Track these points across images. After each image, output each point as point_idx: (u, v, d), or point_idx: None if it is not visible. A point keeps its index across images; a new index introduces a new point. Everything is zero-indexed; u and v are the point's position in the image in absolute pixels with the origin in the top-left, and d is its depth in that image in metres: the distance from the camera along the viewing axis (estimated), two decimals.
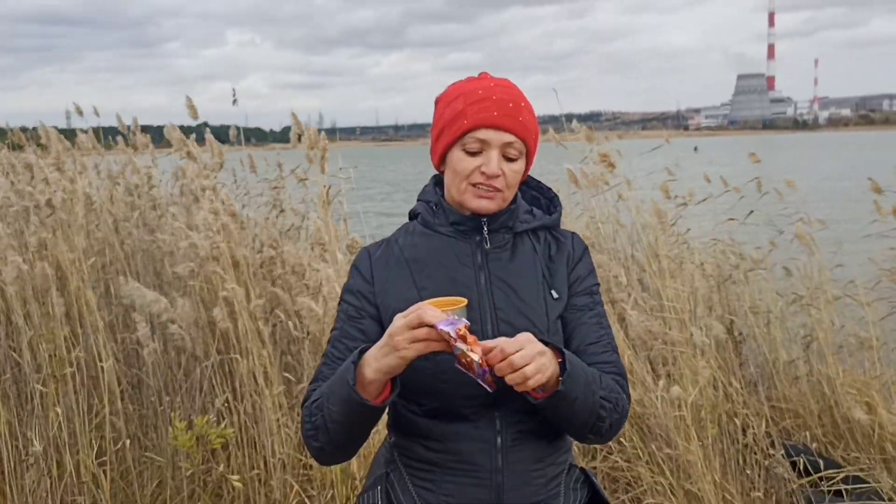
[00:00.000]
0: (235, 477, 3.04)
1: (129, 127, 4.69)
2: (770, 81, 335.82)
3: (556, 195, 1.54)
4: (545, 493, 1.39)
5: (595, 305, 1.45)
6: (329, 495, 3.03)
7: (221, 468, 3.17)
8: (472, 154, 1.36)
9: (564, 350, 1.26)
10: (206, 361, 3.51)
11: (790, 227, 4.23)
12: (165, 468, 3.28)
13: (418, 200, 1.51)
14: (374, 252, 1.47)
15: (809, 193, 4.46)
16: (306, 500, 3.08)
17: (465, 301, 1.22)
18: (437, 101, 1.45)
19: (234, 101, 4.01)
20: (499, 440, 1.35)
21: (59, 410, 3.22)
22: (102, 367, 3.38)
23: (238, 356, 3.33)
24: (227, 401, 3.35)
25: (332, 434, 1.31)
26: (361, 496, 1.46)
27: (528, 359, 1.17)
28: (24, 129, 4.91)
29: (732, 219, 4.55)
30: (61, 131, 4.47)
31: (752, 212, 4.39)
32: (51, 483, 3.20)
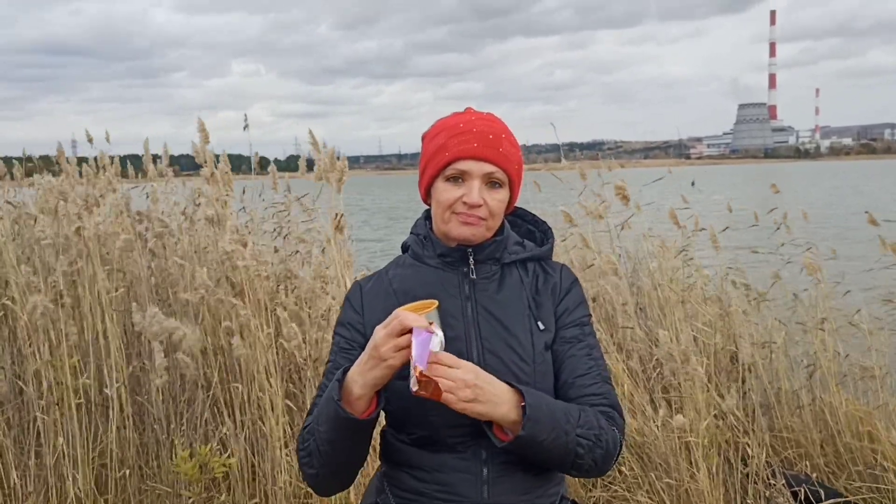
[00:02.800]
0: None
1: (154, 156, 4.73)
2: (772, 110, 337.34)
3: (549, 228, 1.56)
4: None
5: (585, 337, 1.44)
6: None
7: (223, 497, 3.16)
8: (455, 185, 1.39)
9: (526, 393, 1.26)
10: (210, 391, 3.51)
11: (787, 255, 4.24)
12: (167, 497, 3.27)
13: (410, 234, 1.53)
14: (365, 285, 1.50)
15: (797, 222, 4.50)
16: None
17: (436, 302, 1.25)
18: (423, 138, 1.48)
19: (245, 127, 4.13)
20: (485, 471, 1.34)
21: (60, 440, 3.22)
22: (111, 396, 3.38)
23: (239, 385, 3.34)
24: (230, 430, 3.34)
25: (325, 457, 1.32)
26: None
27: (453, 374, 1.20)
28: (29, 159, 4.97)
29: (739, 248, 4.57)
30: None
31: (781, 235, 4.40)
32: None
